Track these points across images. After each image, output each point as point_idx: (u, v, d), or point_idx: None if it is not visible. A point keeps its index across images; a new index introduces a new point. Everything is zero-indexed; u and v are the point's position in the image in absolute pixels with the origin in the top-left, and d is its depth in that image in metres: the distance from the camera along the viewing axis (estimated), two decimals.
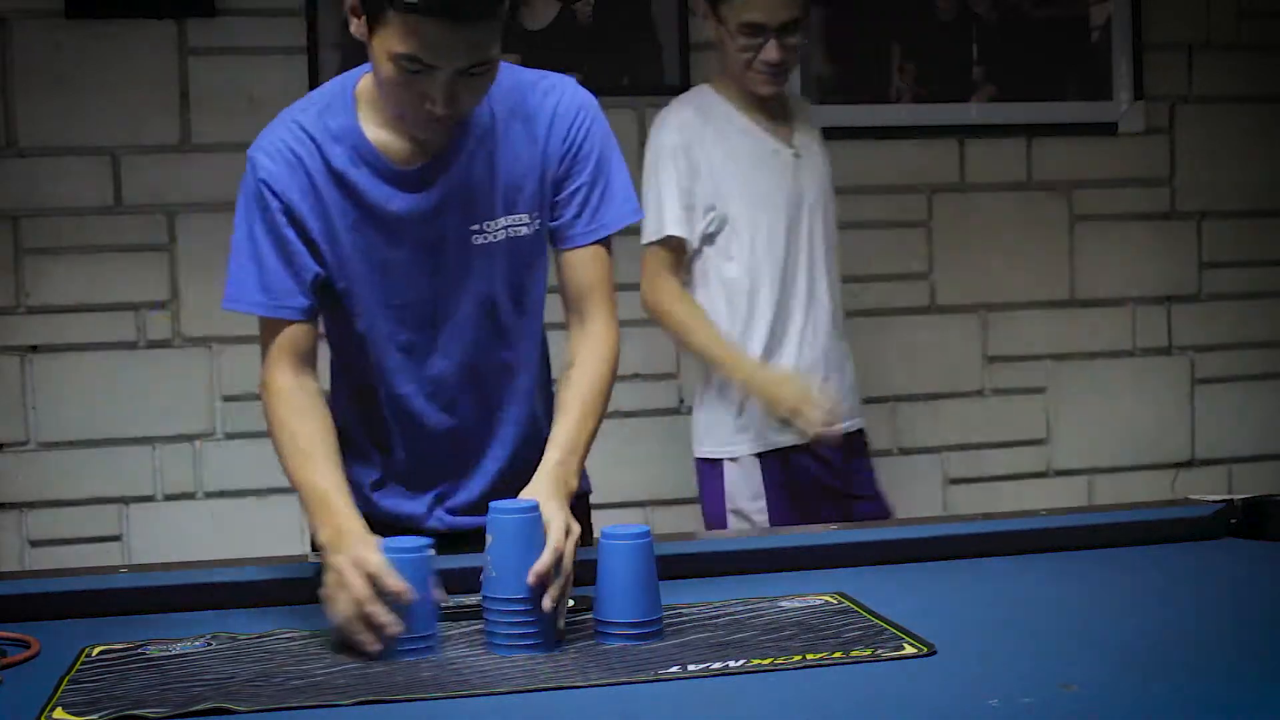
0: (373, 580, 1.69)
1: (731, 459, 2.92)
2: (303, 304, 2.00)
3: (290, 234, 1.98)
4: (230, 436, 3.53)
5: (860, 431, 3.05)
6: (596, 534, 2.32)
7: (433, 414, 2.11)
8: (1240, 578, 2.06)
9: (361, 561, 1.71)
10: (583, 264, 2.07)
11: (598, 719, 1.50)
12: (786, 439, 2.87)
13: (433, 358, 2.08)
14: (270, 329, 2.01)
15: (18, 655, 1.72)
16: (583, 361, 2.03)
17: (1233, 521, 2.25)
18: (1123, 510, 2.35)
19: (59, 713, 1.51)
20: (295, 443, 1.95)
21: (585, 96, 2.07)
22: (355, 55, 3.71)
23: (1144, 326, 4.02)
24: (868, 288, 3.84)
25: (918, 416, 3.85)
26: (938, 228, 3.88)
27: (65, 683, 1.61)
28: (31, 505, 3.48)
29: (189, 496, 3.53)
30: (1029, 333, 3.95)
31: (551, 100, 2.03)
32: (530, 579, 1.69)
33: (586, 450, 2.00)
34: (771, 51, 2.82)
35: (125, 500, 3.51)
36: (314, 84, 3.50)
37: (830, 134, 3.77)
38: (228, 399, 3.52)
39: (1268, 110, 4.06)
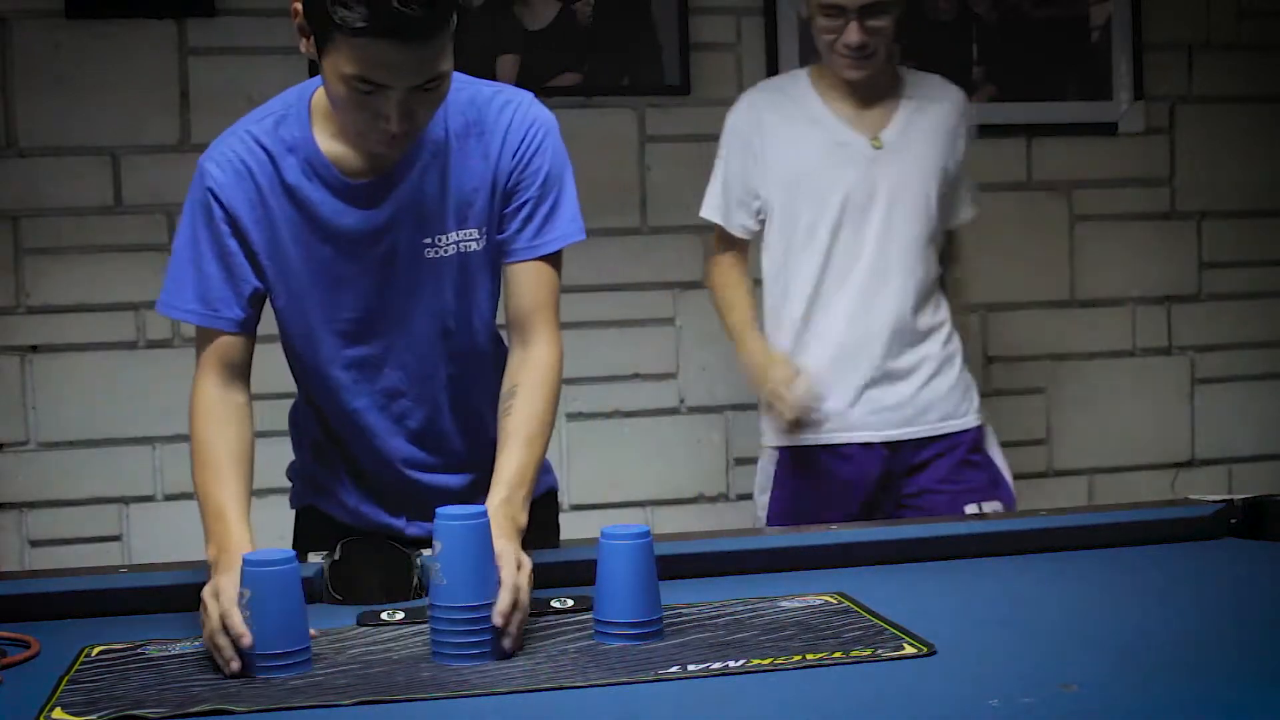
0: (222, 615, 1.66)
1: (762, 448, 2.92)
2: (238, 315, 2.00)
3: (233, 245, 1.98)
4: None
5: (939, 440, 2.85)
6: (567, 532, 2.33)
7: (386, 427, 2.11)
8: (1240, 578, 2.06)
9: (218, 592, 1.69)
10: (528, 280, 2.04)
11: (598, 719, 1.50)
12: (809, 436, 2.82)
13: (384, 371, 2.08)
14: (204, 338, 2.01)
15: (18, 655, 1.72)
16: (524, 390, 1.99)
17: (1233, 521, 2.25)
18: (1123, 510, 2.35)
19: (58, 713, 1.51)
20: (204, 453, 1.95)
21: (541, 113, 2.05)
22: None
23: (1144, 326, 4.01)
24: None
25: None
26: None
27: (65, 683, 1.62)
28: (31, 505, 3.48)
29: (189, 496, 3.49)
30: (1029, 333, 3.95)
31: (506, 115, 2.01)
32: (496, 620, 1.67)
33: (533, 482, 1.95)
34: (852, 34, 2.70)
35: (125, 500, 3.52)
36: None
37: None
38: None
39: (1268, 110, 4.06)
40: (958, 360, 2.89)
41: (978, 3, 3.84)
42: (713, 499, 3.77)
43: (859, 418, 2.82)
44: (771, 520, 2.88)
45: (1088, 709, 1.46)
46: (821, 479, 2.85)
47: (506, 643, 1.68)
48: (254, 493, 3.56)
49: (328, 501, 2.21)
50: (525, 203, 2.03)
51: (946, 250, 2.94)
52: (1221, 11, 4.00)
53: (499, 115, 2.01)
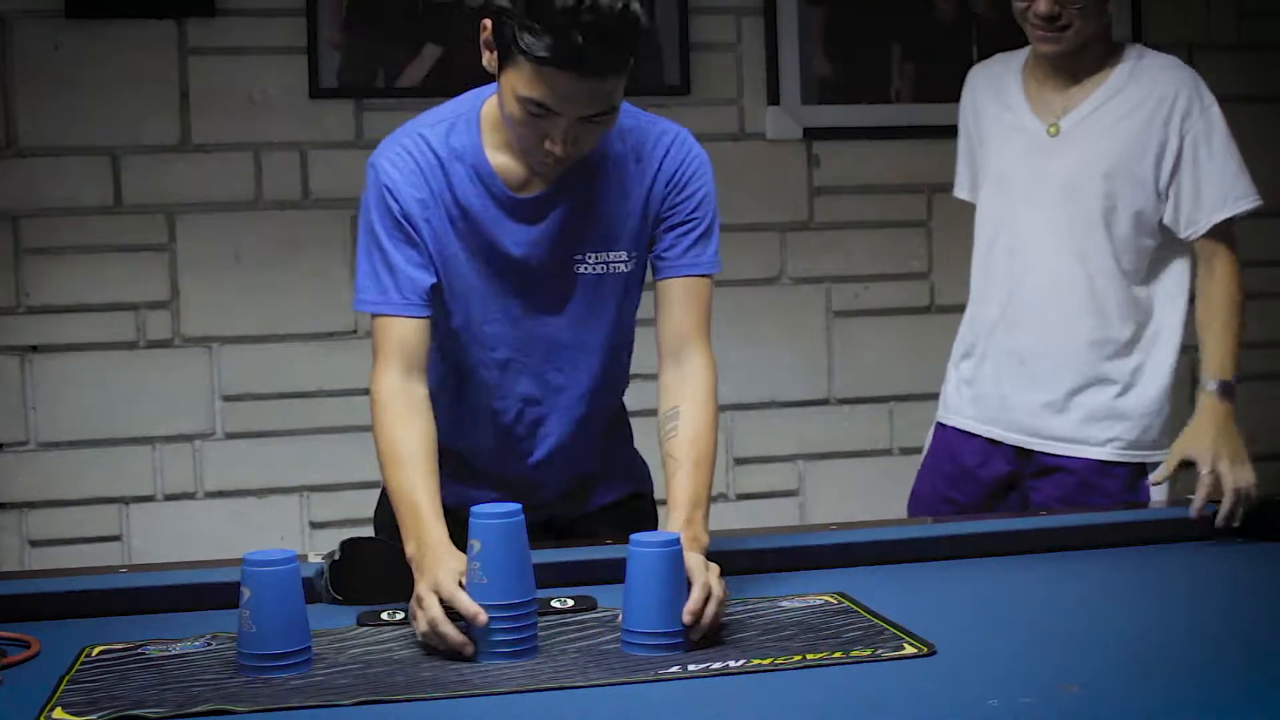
0: (447, 604, 1.72)
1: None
2: (425, 301, 2.02)
3: (415, 235, 2.02)
4: (230, 436, 3.53)
5: (1064, 458, 2.62)
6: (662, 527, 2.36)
7: (520, 430, 2.16)
8: (1240, 578, 2.06)
9: (437, 586, 1.73)
10: (683, 297, 2.08)
11: (598, 719, 1.50)
12: (955, 418, 2.77)
13: (524, 376, 2.12)
14: (387, 330, 2.01)
15: (18, 655, 1.72)
16: (687, 410, 2.03)
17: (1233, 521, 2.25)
18: (1123, 510, 2.35)
19: (59, 713, 1.51)
20: (393, 449, 1.96)
21: (696, 147, 2.11)
22: (356, 57, 3.72)
23: None
24: (868, 288, 3.84)
25: (918, 416, 3.85)
26: (938, 228, 3.88)
27: (65, 683, 1.62)
28: (31, 505, 3.48)
29: (189, 496, 3.53)
30: None
31: (665, 143, 2.07)
32: (686, 618, 1.71)
33: (708, 501, 1.99)
34: (1041, 3, 2.49)
35: (125, 500, 3.51)
36: (314, 84, 3.51)
37: (830, 134, 3.80)
38: (228, 399, 3.52)
39: (1268, 110, 4.05)
40: (1114, 388, 2.63)
41: (978, 3, 3.84)
42: (713, 499, 3.77)
43: (989, 413, 2.71)
44: (913, 494, 2.82)
45: (1088, 709, 1.46)
46: (953, 460, 2.76)
47: (694, 635, 1.71)
48: (256, 492, 3.59)
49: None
50: (680, 222, 2.08)
51: (1199, 263, 2.66)
52: (1221, 11, 4.00)
53: (656, 144, 2.07)
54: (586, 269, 2.07)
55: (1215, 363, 2.54)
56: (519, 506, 1.73)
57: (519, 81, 1.85)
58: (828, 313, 3.85)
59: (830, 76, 3.79)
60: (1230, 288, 2.61)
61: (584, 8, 1.77)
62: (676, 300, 2.07)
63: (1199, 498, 2.27)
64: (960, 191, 2.84)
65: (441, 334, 2.10)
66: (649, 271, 2.12)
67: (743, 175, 3.75)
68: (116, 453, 3.50)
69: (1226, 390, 2.47)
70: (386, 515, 2.25)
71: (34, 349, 3.47)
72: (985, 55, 3.68)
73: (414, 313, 2.01)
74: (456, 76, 3.53)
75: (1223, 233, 2.59)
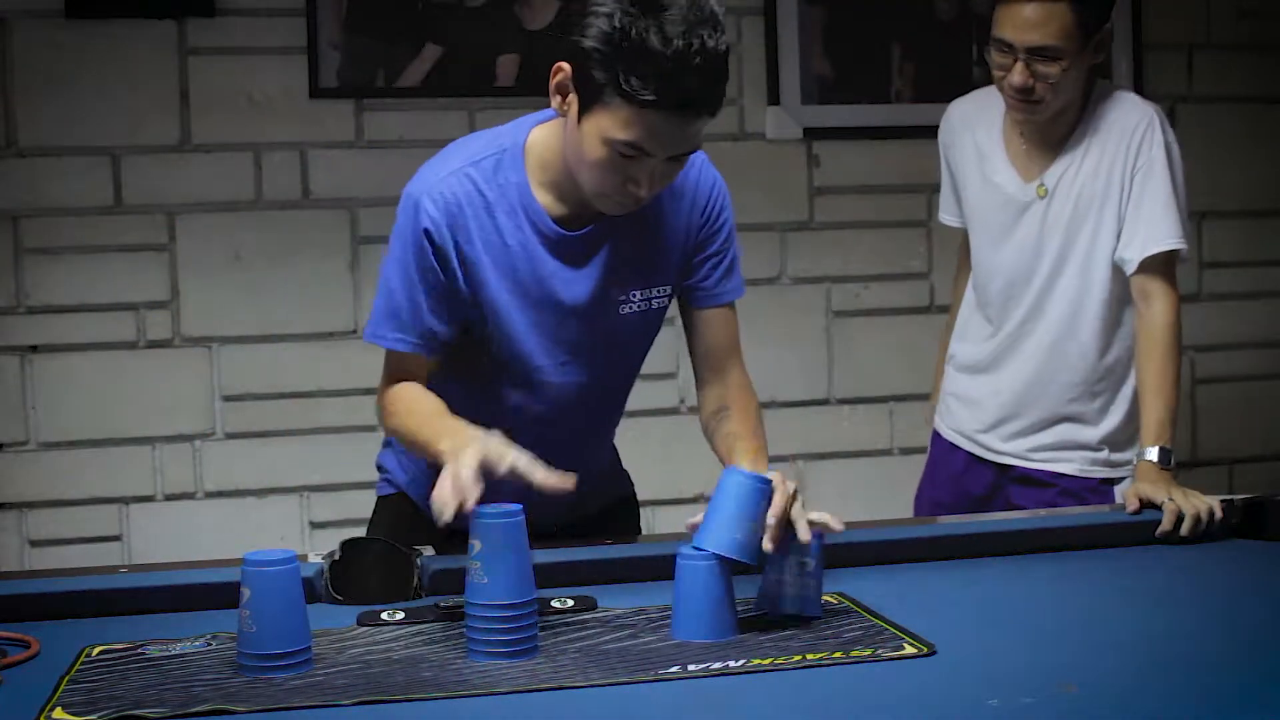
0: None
1: None
2: (441, 344, 2.06)
3: (444, 281, 2.01)
4: (230, 436, 3.53)
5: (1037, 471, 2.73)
6: (645, 529, 2.39)
7: (533, 440, 2.16)
8: (1240, 578, 2.06)
9: (502, 452, 1.77)
10: (720, 324, 2.14)
11: (598, 719, 1.50)
12: (942, 427, 2.86)
13: (553, 408, 2.12)
14: (402, 359, 2.06)
15: (18, 655, 1.72)
16: (736, 404, 2.11)
17: (1233, 521, 2.25)
18: (1123, 510, 2.35)
19: (59, 713, 1.51)
20: (410, 408, 2.01)
21: (717, 173, 2.13)
22: (356, 57, 3.72)
23: None
24: (868, 287, 3.85)
25: (918, 416, 3.85)
26: (938, 228, 3.86)
27: (65, 683, 1.62)
28: (31, 505, 3.48)
29: (189, 496, 3.53)
30: None
31: (693, 176, 2.08)
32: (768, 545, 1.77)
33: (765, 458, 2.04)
34: (1016, 75, 2.50)
35: (125, 500, 3.52)
36: (314, 84, 3.51)
37: (830, 134, 3.80)
38: (228, 399, 3.52)
39: (1268, 110, 4.06)
40: (1076, 424, 2.70)
41: (978, 3, 3.84)
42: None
43: (968, 433, 2.81)
44: (917, 496, 2.91)
45: (1088, 709, 1.46)
46: (940, 464, 2.86)
47: (768, 544, 1.79)
48: (255, 492, 3.58)
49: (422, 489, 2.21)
50: (713, 253, 2.11)
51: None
52: (1221, 11, 4.00)
53: (686, 174, 2.05)
54: (631, 308, 2.07)
55: (1152, 429, 2.48)
56: (519, 506, 1.73)
57: (612, 124, 1.82)
58: (828, 313, 3.85)
59: (830, 76, 3.79)
60: (1163, 329, 2.60)
61: (693, 50, 1.75)
62: (716, 327, 2.13)
63: (1165, 524, 2.25)
64: (946, 218, 2.88)
65: (473, 374, 2.11)
66: (686, 298, 2.14)
67: (743, 175, 3.73)
68: (116, 453, 3.51)
69: (1166, 457, 2.43)
70: (381, 522, 2.25)
71: (34, 349, 3.47)
72: (985, 55, 3.65)
73: (425, 354, 2.05)
74: (456, 76, 3.53)
75: (1156, 270, 2.59)
